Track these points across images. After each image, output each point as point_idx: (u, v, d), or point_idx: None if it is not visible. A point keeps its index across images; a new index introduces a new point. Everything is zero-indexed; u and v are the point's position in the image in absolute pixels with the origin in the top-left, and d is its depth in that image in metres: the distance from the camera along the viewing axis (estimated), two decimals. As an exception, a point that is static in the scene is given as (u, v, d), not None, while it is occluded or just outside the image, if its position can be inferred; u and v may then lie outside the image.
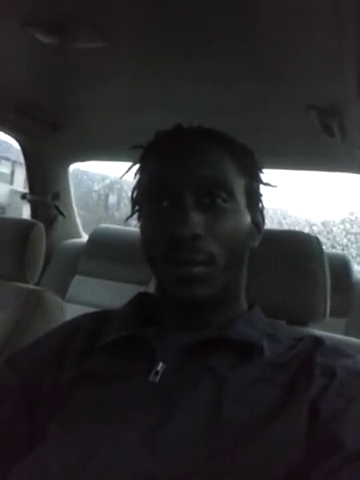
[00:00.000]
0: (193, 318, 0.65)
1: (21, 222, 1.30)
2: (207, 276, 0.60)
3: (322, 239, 0.88)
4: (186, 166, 0.62)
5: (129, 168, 0.72)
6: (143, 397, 0.57)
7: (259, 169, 0.70)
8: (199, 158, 0.63)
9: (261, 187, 0.71)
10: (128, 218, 0.73)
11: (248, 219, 0.66)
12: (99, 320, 0.71)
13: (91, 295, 1.83)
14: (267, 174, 0.73)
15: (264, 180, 0.71)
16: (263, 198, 0.71)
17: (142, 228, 0.66)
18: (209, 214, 0.61)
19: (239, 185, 0.65)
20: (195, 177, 0.61)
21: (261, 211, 0.71)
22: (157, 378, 0.58)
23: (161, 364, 0.59)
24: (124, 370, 0.61)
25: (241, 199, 0.65)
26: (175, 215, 0.60)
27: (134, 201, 0.71)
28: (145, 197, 0.65)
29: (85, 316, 0.75)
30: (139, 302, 0.72)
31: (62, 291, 1.83)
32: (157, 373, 0.59)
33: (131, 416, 0.56)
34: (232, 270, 0.64)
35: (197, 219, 0.59)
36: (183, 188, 0.61)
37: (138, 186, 0.69)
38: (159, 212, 0.62)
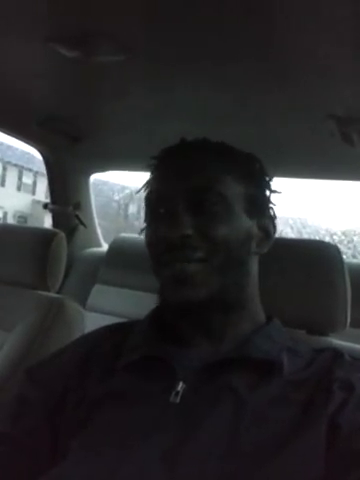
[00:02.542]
0: (199, 328, 0.65)
1: (43, 231, 1.33)
2: (201, 275, 0.61)
3: (343, 248, 0.87)
4: (178, 177, 0.66)
5: (145, 184, 0.75)
6: (164, 418, 0.58)
7: (264, 177, 0.72)
8: (189, 168, 0.67)
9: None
10: (142, 231, 0.75)
11: (248, 224, 0.67)
12: (121, 334, 0.71)
13: (111, 304, 1.84)
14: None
15: (271, 188, 0.72)
16: (274, 206, 0.73)
17: (145, 236, 0.70)
18: (200, 218, 0.63)
19: (235, 191, 0.66)
20: (184, 186, 0.65)
21: (271, 218, 0.72)
22: (177, 398, 0.59)
23: (181, 384, 0.60)
24: (145, 390, 0.61)
25: (237, 204, 0.66)
26: (168, 220, 0.63)
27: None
28: (147, 208, 0.70)
29: (107, 328, 0.76)
30: (158, 315, 0.72)
31: (82, 300, 1.84)
32: (177, 393, 0.59)
33: (152, 438, 0.56)
34: (229, 273, 0.64)
35: (186, 221, 0.62)
36: (175, 197, 0.64)
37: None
38: (156, 220, 0.67)
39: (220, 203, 0.64)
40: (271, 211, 0.72)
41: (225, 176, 0.66)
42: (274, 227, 0.72)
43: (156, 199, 0.68)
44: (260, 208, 0.70)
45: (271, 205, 0.72)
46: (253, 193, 0.68)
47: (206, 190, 0.65)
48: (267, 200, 0.72)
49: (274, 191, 0.73)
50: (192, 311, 0.63)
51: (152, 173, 0.72)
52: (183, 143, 0.72)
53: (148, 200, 0.70)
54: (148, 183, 0.72)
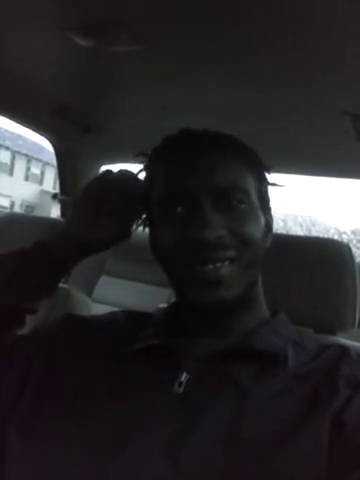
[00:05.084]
0: (216, 323, 0.65)
1: (52, 220, 1.33)
2: (233, 276, 0.60)
3: (352, 248, 0.87)
4: (200, 173, 0.62)
5: (138, 172, 0.73)
6: (166, 409, 0.57)
7: (266, 170, 0.71)
8: (213, 163, 0.63)
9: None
10: (138, 226, 0.73)
11: (263, 219, 0.66)
12: (137, 322, 0.71)
13: (117, 296, 1.84)
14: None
15: (270, 181, 0.71)
16: (271, 200, 0.72)
17: (157, 235, 0.66)
18: (227, 215, 0.61)
19: (252, 186, 0.65)
20: (211, 183, 0.62)
21: (270, 211, 0.71)
22: (181, 389, 0.58)
23: (185, 374, 0.59)
24: (150, 379, 0.61)
25: (255, 200, 0.65)
26: (194, 219, 0.60)
27: (141, 208, 0.70)
28: (157, 205, 0.65)
29: (126, 313, 0.75)
30: (175, 310, 0.71)
31: (88, 291, 1.85)
32: (181, 384, 0.59)
33: (154, 428, 0.55)
34: (254, 270, 0.64)
35: (218, 221, 0.60)
36: (199, 194, 0.61)
37: (145, 193, 0.69)
38: (175, 218, 0.62)
39: (246, 201, 0.63)
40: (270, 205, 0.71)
41: (245, 172, 0.65)
42: (272, 220, 0.71)
43: (173, 197, 0.63)
44: (267, 203, 0.70)
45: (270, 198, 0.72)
46: (262, 188, 0.68)
47: (231, 186, 0.62)
48: (268, 194, 0.71)
49: (274, 184, 0.72)
50: (221, 311, 0.62)
51: (154, 167, 0.69)
52: (188, 134, 0.68)
53: (160, 197, 0.65)
54: (152, 177, 0.68)
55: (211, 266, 0.60)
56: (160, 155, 0.69)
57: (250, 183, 0.65)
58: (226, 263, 0.60)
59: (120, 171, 0.72)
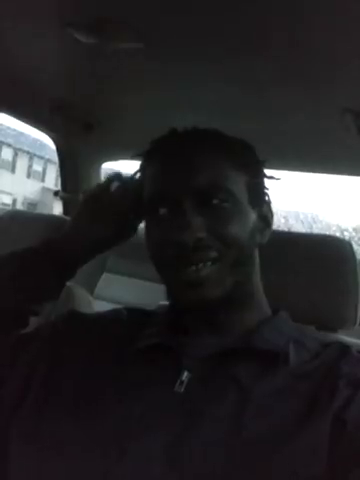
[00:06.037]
0: (213, 322, 0.65)
1: (54, 218, 1.33)
2: (215, 276, 0.60)
3: (353, 245, 0.87)
4: (181, 175, 0.62)
5: (133, 175, 0.74)
6: (167, 408, 0.57)
7: (260, 163, 0.70)
8: (194, 164, 0.63)
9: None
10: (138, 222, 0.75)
11: (253, 216, 0.65)
12: (139, 320, 0.71)
13: (119, 293, 1.84)
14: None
15: (267, 174, 0.70)
16: (269, 192, 0.71)
17: (146, 236, 0.67)
18: (209, 216, 0.61)
19: (239, 182, 0.64)
20: (192, 184, 0.61)
21: (268, 205, 0.70)
22: (182, 388, 0.58)
23: (186, 373, 0.59)
24: (152, 378, 0.61)
25: (243, 197, 0.64)
26: (176, 221, 0.60)
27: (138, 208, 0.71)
28: (145, 206, 0.66)
29: (128, 311, 0.75)
30: (172, 308, 0.71)
31: (90, 288, 1.85)
32: (182, 383, 0.59)
33: (155, 427, 0.55)
34: (241, 268, 0.63)
35: (198, 223, 0.59)
36: (181, 196, 0.61)
37: (139, 194, 0.69)
38: (159, 220, 0.63)
39: (229, 200, 0.62)
40: (267, 197, 0.70)
41: (230, 169, 0.64)
42: (272, 214, 0.71)
43: (157, 198, 0.64)
44: (260, 196, 0.69)
45: (267, 191, 0.70)
46: (254, 181, 0.67)
47: (212, 186, 0.62)
48: (264, 187, 0.70)
49: (271, 177, 0.71)
50: (207, 310, 0.63)
51: (146, 167, 0.69)
52: (175, 134, 0.68)
53: (147, 198, 0.66)
54: (145, 178, 0.69)
55: (193, 267, 0.60)
56: (149, 156, 0.70)
57: (236, 179, 0.64)
58: (208, 263, 0.60)
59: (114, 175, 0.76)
